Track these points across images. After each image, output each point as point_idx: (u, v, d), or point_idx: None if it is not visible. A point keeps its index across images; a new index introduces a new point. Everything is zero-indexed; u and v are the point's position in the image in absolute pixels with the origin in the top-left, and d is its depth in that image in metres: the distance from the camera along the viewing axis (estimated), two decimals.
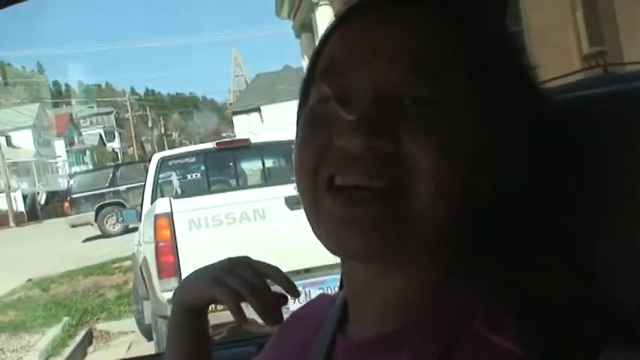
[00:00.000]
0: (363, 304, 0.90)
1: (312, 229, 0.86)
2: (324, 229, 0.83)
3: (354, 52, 0.83)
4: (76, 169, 63.61)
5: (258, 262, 1.07)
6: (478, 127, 0.81)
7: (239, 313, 1.01)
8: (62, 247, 21.11)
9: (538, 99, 0.87)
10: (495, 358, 0.75)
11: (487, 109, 0.82)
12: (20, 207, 47.97)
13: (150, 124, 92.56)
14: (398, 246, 0.80)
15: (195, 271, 1.11)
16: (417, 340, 0.82)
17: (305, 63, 26.07)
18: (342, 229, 0.80)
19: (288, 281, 1.04)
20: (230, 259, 1.07)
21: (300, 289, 1.03)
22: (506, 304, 0.80)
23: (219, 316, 7.65)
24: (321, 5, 21.28)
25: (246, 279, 1.02)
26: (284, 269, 1.06)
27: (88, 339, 11.38)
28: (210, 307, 1.11)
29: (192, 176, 10.06)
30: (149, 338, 9.01)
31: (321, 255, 0.95)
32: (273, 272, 1.06)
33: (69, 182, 28.43)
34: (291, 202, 6.93)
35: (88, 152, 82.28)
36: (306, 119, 0.87)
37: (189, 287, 1.12)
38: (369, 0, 0.87)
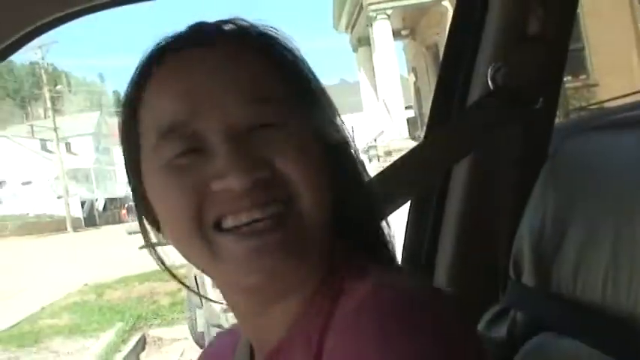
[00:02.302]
0: (262, 336, 0.91)
1: (206, 269, 0.88)
2: (225, 266, 0.84)
3: (193, 101, 0.84)
4: None
5: None
6: (316, 141, 0.87)
7: None
8: (118, 253, 21.39)
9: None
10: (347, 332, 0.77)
11: (313, 127, 0.88)
12: (78, 213, 48.66)
13: None
14: (305, 259, 0.84)
15: None
16: (303, 335, 0.84)
17: (361, 76, 26.14)
18: (251, 262, 0.82)
19: None
20: None
21: None
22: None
23: None
24: (379, 20, 21.29)
25: None
26: None
27: (141, 345, 11.50)
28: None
29: None
30: (201, 346, 9.07)
31: None
32: None
33: (127, 190, 28.79)
34: None
35: None
36: (163, 175, 0.86)
37: None
38: (181, 42, 0.90)
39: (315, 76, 0.94)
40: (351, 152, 0.93)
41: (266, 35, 0.92)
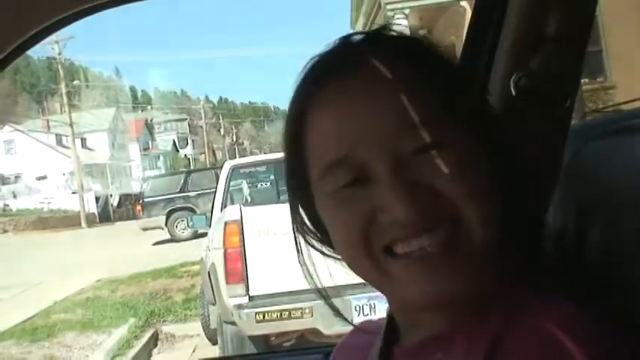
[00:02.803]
0: (417, 327, 0.95)
1: (378, 288, 0.91)
2: (396, 287, 0.87)
3: (355, 133, 0.86)
4: (149, 173, 64.61)
5: None
6: (480, 151, 0.88)
7: None
8: (132, 249, 21.44)
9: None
10: (544, 343, 0.79)
11: (478, 138, 0.88)
12: (92, 208, 48.82)
13: (222, 132, 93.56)
14: (473, 281, 0.85)
15: None
16: (468, 331, 0.87)
17: None
18: (421, 285, 0.84)
19: None
20: None
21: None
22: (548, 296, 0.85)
23: (287, 324, 7.59)
24: (397, 19, 21.25)
25: None
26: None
27: (154, 341, 11.52)
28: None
29: (262, 185, 10.14)
30: (214, 342, 9.09)
31: None
32: None
33: (142, 186, 28.86)
34: None
35: (161, 157, 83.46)
36: (334, 205, 0.89)
37: None
38: (334, 66, 0.91)
39: (470, 80, 0.98)
40: (516, 157, 0.94)
41: (416, 46, 0.93)
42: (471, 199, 0.84)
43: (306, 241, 0.98)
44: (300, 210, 0.98)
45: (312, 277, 1.00)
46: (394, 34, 0.94)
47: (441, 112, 0.86)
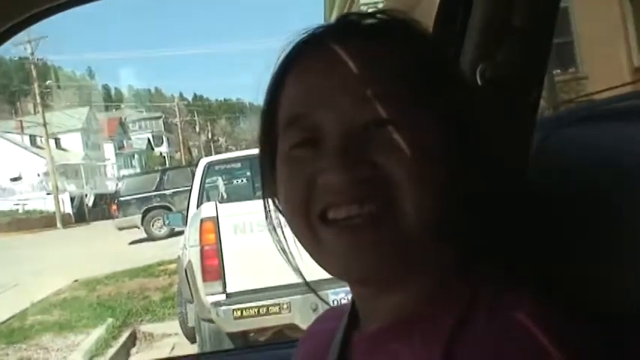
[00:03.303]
0: (374, 314, 0.96)
1: (312, 257, 0.92)
2: (327, 256, 0.90)
3: (314, 97, 0.90)
4: (124, 172, 64.34)
5: None
6: (440, 135, 0.88)
7: None
8: (108, 249, 21.34)
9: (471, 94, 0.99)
10: (511, 332, 0.79)
11: (442, 118, 0.89)
12: (68, 209, 48.55)
13: (197, 130, 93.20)
14: (399, 262, 0.87)
15: None
16: (427, 323, 0.88)
17: None
18: (348, 257, 0.87)
19: None
20: None
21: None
22: (514, 285, 0.86)
23: (265, 320, 7.59)
24: None
25: None
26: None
27: (132, 340, 11.48)
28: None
29: (237, 181, 10.14)
30: (192, 341, 9.07)
31: None
32: None
33: (117, 185, 28.75)
34: None
35: (136, 156, 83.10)
36: (284, 165, 0.93)
37: None
38: (313, 40, 0.95)
39: (446, 60, 0.99)
40: (482, 145, 0.93)
41: (398, 26, 0.95)
42: (410, 181, 0.85)
43: (275, 206, 1.00)
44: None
45: (285, 252, 1.01)
46: (377, 17, 0.97)
47: (404, 93, 0.88)
